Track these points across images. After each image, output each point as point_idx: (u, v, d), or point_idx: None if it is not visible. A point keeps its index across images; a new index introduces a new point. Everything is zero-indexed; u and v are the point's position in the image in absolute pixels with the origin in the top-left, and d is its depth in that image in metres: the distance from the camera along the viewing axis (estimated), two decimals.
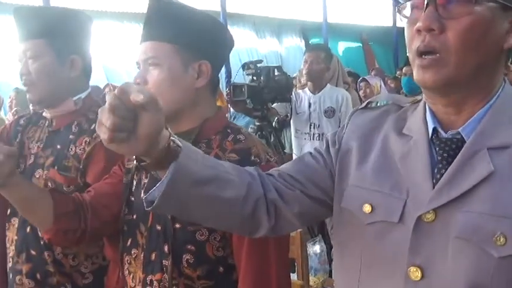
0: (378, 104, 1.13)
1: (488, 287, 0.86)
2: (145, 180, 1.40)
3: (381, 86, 4.75)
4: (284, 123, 4.34)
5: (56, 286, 1.67)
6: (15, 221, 1.74)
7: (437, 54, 0.90)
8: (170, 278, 1.29)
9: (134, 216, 1.41)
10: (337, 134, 1.13)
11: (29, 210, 1.39)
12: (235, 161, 1.28)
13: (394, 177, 0.99)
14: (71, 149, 1.69)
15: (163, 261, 1.31)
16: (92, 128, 1.70)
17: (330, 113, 3.80)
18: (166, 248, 1.31)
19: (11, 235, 1.75)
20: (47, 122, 1.80)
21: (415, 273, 0.92)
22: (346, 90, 4.28)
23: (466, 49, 0.89)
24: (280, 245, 1.31)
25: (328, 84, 3.91)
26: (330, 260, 3.08)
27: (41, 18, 1.71)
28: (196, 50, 1.34)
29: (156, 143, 0.87)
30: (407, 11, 0.97)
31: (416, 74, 0.94)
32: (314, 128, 3.82)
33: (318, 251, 3.20)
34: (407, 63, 4.38)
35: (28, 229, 1.68)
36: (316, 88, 3.88)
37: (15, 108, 5.25)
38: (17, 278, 1.70)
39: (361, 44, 12.53)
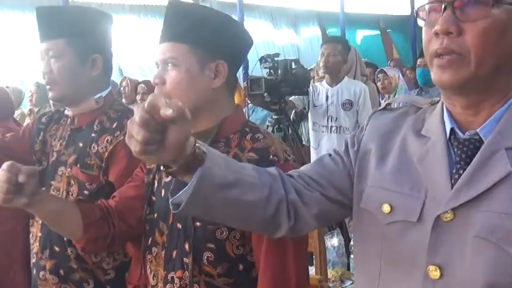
0: (397, 106, 1.14)
1: (507, 286, 0.87)
2: (166, 179, 1.43)
3: (399, 77, 4.71)
4: (302, 116, 4.34)
5: (79, 282, 1.70)
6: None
7: (456, 54, 0.90)
8: (191, 275, 1.31)
9: (155, 215, 1.44)
10: (356, 136, 1.14)
11: (58, 223, 1.44)
12: (254, 160, 1.30)
13: (412, 177, 1.00)
14: (93, 147, 1.72)
15: (184, 258, 1.34)
16: (114, 126, 1.73)
17: (347, 105, 3.79)
18: (187, 246, 1.33)
19: (35, 231, 1.79)
20: (69, 120, 1.83)
21: (434, 272, 0.92)
22: (365, 82, 4.27)
23: (483, 51, 0.89)
24: (298, 241, 1.32)
25: (346, 77, 3.90)
26: (348, 253, 3.09)
27: (62, 17, 1.74)
28: (212, 51, 1.36)
29: (183, 151, 0.90)
30: (424, 14, 0.97)
31: (434, 75, 0.94)
32: (332, 120, 3.81)
33: (336, 244, 3.20)
34: (422, 54, 4.33)
35: None
36: (334, 81, 3.87)
37: (29, 107, 5.27)
38: (41, 273, 1.73)
39: (379, 32, 12.44)
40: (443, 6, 0.91)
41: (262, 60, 3.65)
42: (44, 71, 1.74)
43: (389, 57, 10.16)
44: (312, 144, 3.95)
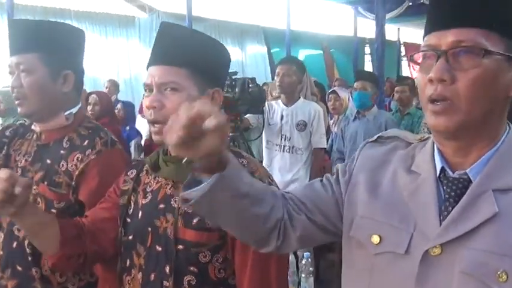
0: (386, 139, 1.18)
1: None
2: (144, 201, 1.42)
3: (348, 98, 4.84)
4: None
5: None
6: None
7: (449, 101, 0.95)
8: None
9: (130, 237, 1.42)
10: (347, 165, 1.18)
11: (38, 235, 1.41)
12: None
13: (402, 211, 1.04)
14: (62, 164, 1.68)
15: (164, 282, 1.33)
16: (85, 144, 1.69)
17: (301, 126, 3.86)
18: (167, 269, 1.33)
19: None
20: (35, 135, 1.78)
21: None
22: (316, 102, 4.35)
23: (475, 98, 0.95)
24: (280, 264, 1.36)
25: (302, 98, 3.97)
26: (299, 272, 3.13)
27: (36, 32, 1.70)
28: (211, 78, 1.37)
29: (212, 155, 0.95)
30: (418, 59, 1.03)
31: (429, 119, 0.99)
32: (285, 140, 3.87)
33: None
34: (358, 77, 4.44)
35: (15, 244, 1.67)
36: (290, 101, 3.93)
37: None
38: None
39: (321, 52, 12.71)
40: (437, 54, 0.96)
41: None
42: (13, 85, 1.69)
43: (330, 77, 10.37)
44: (264, 162, 3.99)
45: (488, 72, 0.94)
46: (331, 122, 5.17)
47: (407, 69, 16.66)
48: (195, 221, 1.32)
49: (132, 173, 1.51)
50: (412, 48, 17.58)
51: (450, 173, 1.02)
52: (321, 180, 1.19)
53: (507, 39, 0.95)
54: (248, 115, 3.97)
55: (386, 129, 3.85)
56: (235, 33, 11.96)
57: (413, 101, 5.16)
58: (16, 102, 1.72)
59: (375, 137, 1.21)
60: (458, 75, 0.95)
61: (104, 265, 1.59)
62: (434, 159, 1.05)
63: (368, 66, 16.17)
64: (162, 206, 1.38)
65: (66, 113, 1.75)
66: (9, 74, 1.72)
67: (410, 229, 1.02)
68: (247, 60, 11.94)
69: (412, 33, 17.12)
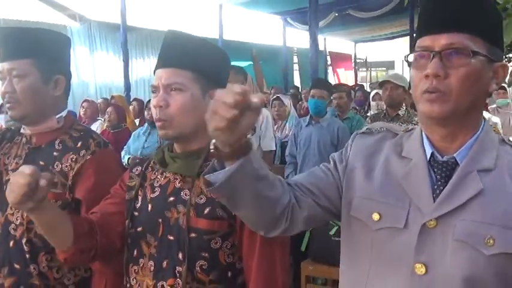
0: (374, 130, 1.35)
1: (480, 279, 1.09)
2: (152, 195, 1.53)
3: (291, 105, 5.05)
4: None
5: None
6: None
7: (442, 93, 1.13)
8: (184, 282, 1.43)
9: (139, 229, 1.53)
10: (342, 154, 1.34)
11: (53, 231, 1.46)
12: None
13: (397, 191, 1.20)
14: (56, 165, 1.75)
15: (177, 267, 1.44)
16: (79, 145, 1.78)
17: (251, 130, 4.02)
18: (180, 256, 1.44)
19: None
20: (25, 138, 1.84)
21: (421, 269, 1.12)
22: None
23: (464, 91, 1.12)
24: (283, 247, 1.51)
25: None
26: None
27: (26, 38, 1.77)
28: (213, 80, 1.50)
29: (243, 137, 1.06)
30: (411, 58, 1.20)
31: (424, 107, 1.15)
32: None
33: None
34: (315, 85, 4.63)
35: (11, 243, 1.72)
36: None
37: None
38: None
39: (251, 62, 12.93)
40: (432, 54, 1.14)
41: None
42: (5, 90, 1.75)
43: (260, 85, 10.61)
44: None
45: (475, 70, 1.12)
46: (274, 127, 5.37)
47: (332, 78, 17.26)
48: (206, 210, 1.45)
49: (137, 169, 1.62)
50: (337, 57, 18.20)
51: (439, 157, 1.19)
52: (321, 168, 1.34)
53: (488, 43, 1.14)
54: None
55: (338, 135, 4.13)
56: None
57: (350, 106, 5.44)
58: (7, 105, 1.77)
59: (364, 128, 1.38)
60: (450, 72, 1.12)
61: (102, 259, 1.68)
62: (423, 146, 1.21)
63: (296, 75, 16.63)
64: (172, 198, 1.50)
65: (57, 117, 1.83)
66: (0, 80, 1.78)
67: (406, 206, 1.18)
68: None
69: (336, 42, 17.77)
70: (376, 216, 1.21)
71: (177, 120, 1.46)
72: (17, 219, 1.73)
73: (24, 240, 1.71)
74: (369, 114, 6.66)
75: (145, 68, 12.08)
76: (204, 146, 1.51)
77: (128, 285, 1.55)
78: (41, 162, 1.77)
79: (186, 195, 1.48)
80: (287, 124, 5.05)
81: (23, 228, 1.72)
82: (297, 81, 15.80)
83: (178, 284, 1.44)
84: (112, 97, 7.09)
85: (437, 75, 1.12)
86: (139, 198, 1.57)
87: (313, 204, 1.27)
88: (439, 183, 1.17)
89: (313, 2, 6.93)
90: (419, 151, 1.22)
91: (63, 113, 1.86)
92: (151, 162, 1.61)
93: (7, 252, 1.73)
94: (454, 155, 1.18)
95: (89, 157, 1.76)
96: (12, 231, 1.73)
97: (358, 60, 19.93)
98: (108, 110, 5.62)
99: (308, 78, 8.88)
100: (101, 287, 1.74)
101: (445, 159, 1.19)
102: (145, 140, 4.84)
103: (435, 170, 1.19)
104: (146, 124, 5.01)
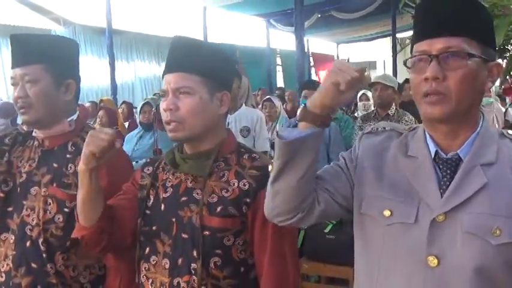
0: (380, 130, 1.42)
1: (490, 268, 1.15)
2: (165, 195, 1.59)
3: (281, 107, 5.13)
4: None
5: None
6: (6, 237, 1.81)
7: (442, 95, 1.20)
8: (200, 279, 1.48)
9: (154, 228, 1.58)
10: (352, 153, 1.40)
11: (91, 201, 1.53)
12: (256, 176, 1.52)
13: (406, 189, 1.26)
14: (70, 167, 1.80)
15: (192, 264, 1.49)
16: None
17: (245, 132, 4.08)
18: (195, 253, 1.49)
19: (3, 250, 1.81)
20: (37, 142, 1.89)
21: (433, 261, 1.17)
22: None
23: (462, 91, 1.19)
24: (293, 237, 1.58)
25: (244, 105, 4.20)
26: None
27: (38, 44, 1.82)
28: (220, 83, 1.57)
29: (337, 107, 1.24)
30: (410, 63, 1.27)
31: (425, 109, 1.22)
32: None
33: None
34: (306, 86, 4.71)
35: (28, 243, 1.77)
36: (232, 108, 4.14)
37: None
38: None
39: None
40: (430, 58, 1.19)
41: None
42: (18, 95, 1.79)
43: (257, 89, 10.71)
44: None
45: (471, 71, 1.19)
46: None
47: (315, 79, 17.35)
48: (218, 209, 1.50)
49: (148, 169, 1.68)
50: (320, 58, 18.30)
51: (443, 154, 1.24)
52: (332, 167, 1.39)
53: (482, 45, 1.21)
54: None
55: (330, 136, 4.19)
56: (152, 46, 12.01)
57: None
58: (20, 111, 1.82)
59: (369, 128, 1.44)
60: (448, 74, 1.18)
61: (117, 255, 1.73)
62: (427, 145, 1.27)
63: (279, 77, 16.71)
64: (184, 198, 1.55)
65: (68, 120, 1.88)
66: (12, 85, 1.83)
67: (415, 203, 1.23)
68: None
69: (319, 43, 17.89)
70: (387, 213, 1.26)
71: (188, 122, 1.51)
72: (33, 220, 1.78)
73: (41, 240, 1.76)
74: (356, 114, 6.75)
75: (130, 71, 12.09)
76: (213, 147, 1.57)
77: (138, 282, 1.60)
78: (55, 164, 1.82)
79: (198, 194, 1.54)
80: (278, 125, 5.11)
81: (39, 229, 1.76)
82: (280, 83, 15.88)
83: (194, 280, 1.49)
84: (101, 100, 7.10)
85: (436, 77, 1.18)
86: (151, 197, 1.62)
87: (330, 201, 1.32)
88: (445, 179, 1.23)
89: (298, 4, 6.99)
90: (424, 150, 1.28)
91: (74, 116, 1.91)
92: (162, 163, 1.67)
93: (24, 252, 1.77)
94: (458, 151, 1.24)
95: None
96: (28, 232, 1.78)
97: None
98: (99, 113, 5.64)
99: (292, 80, 8.94)
100: (115, 284, 1.78)
101: (449, 156, 1.25)
102: (136, 143, 4.88)
103: (440, 167, 1.25)
104: (139, 127, 5.04)
